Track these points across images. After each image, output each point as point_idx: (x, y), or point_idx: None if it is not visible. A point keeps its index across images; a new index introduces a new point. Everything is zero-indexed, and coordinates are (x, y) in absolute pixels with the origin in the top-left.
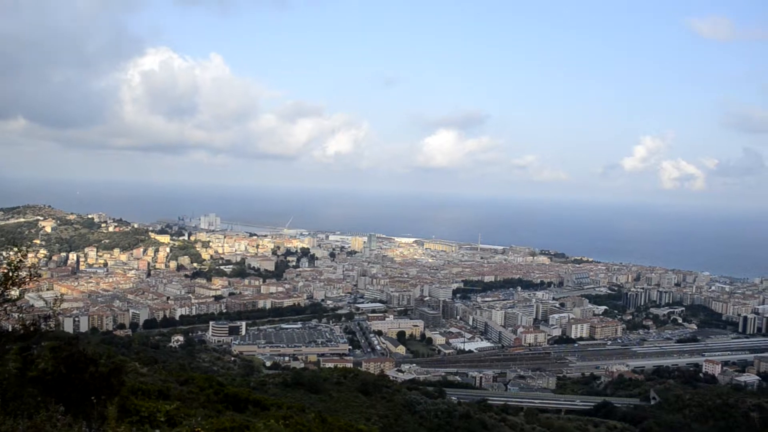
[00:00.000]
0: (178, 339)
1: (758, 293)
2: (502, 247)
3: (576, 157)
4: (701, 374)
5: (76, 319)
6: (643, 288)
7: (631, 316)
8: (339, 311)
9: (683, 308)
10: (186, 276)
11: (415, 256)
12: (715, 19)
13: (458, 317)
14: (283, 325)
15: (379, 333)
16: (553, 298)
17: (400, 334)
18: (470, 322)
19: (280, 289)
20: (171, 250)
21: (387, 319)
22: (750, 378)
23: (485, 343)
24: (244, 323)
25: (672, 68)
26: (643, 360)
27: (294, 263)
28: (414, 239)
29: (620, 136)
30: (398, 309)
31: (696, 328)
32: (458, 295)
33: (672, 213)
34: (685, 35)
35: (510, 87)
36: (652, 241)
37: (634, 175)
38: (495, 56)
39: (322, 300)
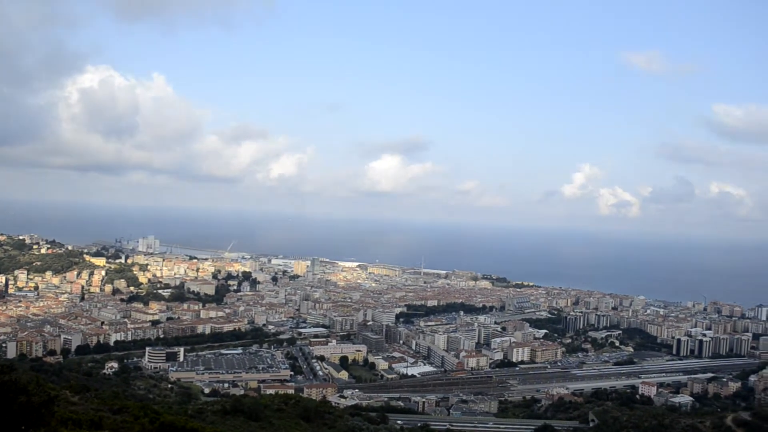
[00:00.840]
0: (112, 365)
1: (690, 316)
2: (445, 272)
3: (517, 183)
4: (638, 396)
5: (3, 345)
6: (582, 312)
7: (570, 340)
8: (281, 336)
9: (620, 331)
10: (122, 300)
11: (359, 281)
12: (649, 52)
13: (401, 342)
14: (223, 351)
15: (322, 358)
16: (495, 322)
17: (343, 359)
18: (413, 347)
19: (221, 313)
20: (107, 274)
21: (330, 344)
22: (684, 399)
23: (428, 368)
24: (182, 349)
25: (609, 99)
26: (582, 383)
27: (235, 287)
28: (358, 263)
29: (560, 164)
30: (341, 334)
31: (632, 350)
32: (401, 320)
33: (609, 238)
34: (622, 68)
35: (453, 114)
36: (590, 266)
37: (572, 201)
38: (439, 83)
39: (264, 325)
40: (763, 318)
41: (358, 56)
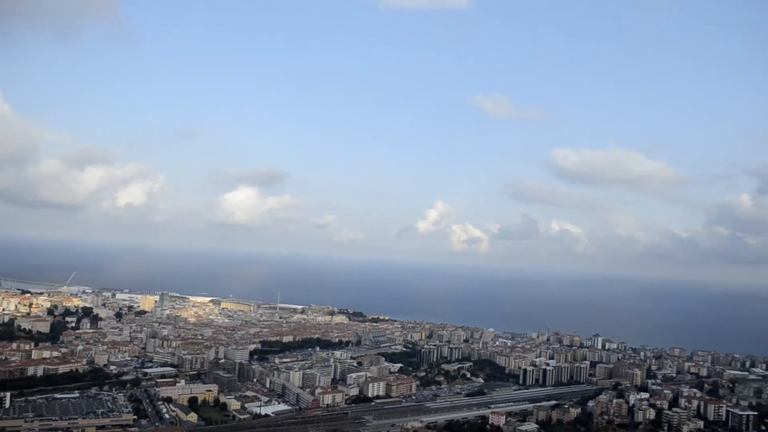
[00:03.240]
0: None
1: (535, 347)
2: (301, 307)
3: (374, 218)
4: (488, 426)
5: None
6: (435, 345)
7: (424, 373)
8: (124, 377)
9: (471, 363)
10: None
11: (211, 316)
12: (496, 97)
13: (255, 380)
14: (57, 395)
15: (169, 400)
16: (351, 357)
17: (192, 401)
18: (267, 385)
19: (56, 353)
20: None
21: (178, 384)
22: (530, 426)
23: (282, 406)
24: (8, 394)
25: (460, 140)
26: (436, 415)
27: (74, 324)
28: (210, 298)
29: (415, 201)
30: (191, 373)
31: (483, 381)
32: (256, 357)
33: (461, 272)
34: (472, 111)
35: (312, 147)
36: (443, 300)
37: (427, 237)
38: (297, 115)
39: (105, 365)
40: (599, 347)
41: (216, 82)
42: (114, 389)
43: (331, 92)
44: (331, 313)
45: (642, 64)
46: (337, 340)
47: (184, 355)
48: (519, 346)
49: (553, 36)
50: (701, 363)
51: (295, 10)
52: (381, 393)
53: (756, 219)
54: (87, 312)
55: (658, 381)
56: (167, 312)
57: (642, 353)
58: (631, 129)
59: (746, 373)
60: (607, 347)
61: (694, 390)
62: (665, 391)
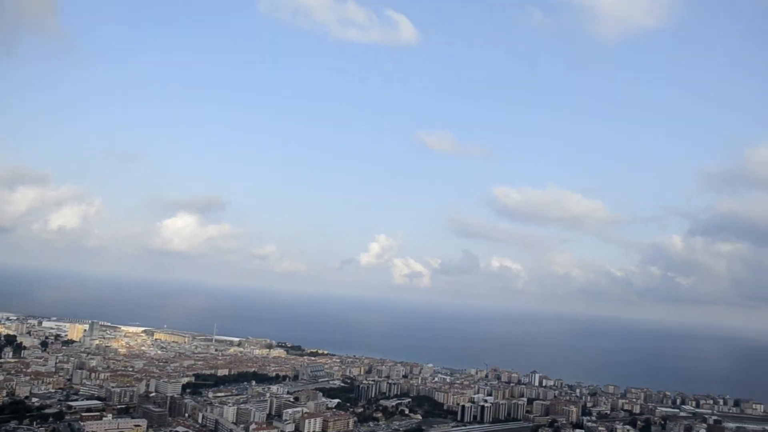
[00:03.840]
0: None
1: (474, 383)
2: (238, 339)
3: (315, 250)
4: None
5: None
6: (374, 380)
7: (362, 409)
8: (46, 410)
9: (410, 399)
10: None
11: (143, 348)
12: (440, 133)
13: (187, 414)
14: None
15: None
16: (288, 392)
17: None
18: (200, 420)
19: None
20: None
21: (104, 418)
22: None
23: None
24: None
25: (405, 175)
26: None
27: None
28: (143, 328)
29: (358, 233)
30: (119, 407)
31: (421, 418)
32: (189, 391)
33: (402, 307)
34: (417, 146)
35: (254, 175)
36: (383, 334)
37: (369, 270)
38: (241, 143)
39: (27, 397)
40: (536, 383)
41: (158, 107)
42: (35, 423)
43: (277, 122)
44: (269, 347)
45: (581, 109)
46: (274, 374)
47: (112, 387)
48: (458, 382)
49: (499, 75)
50: (634, 400)
51: (241, 39)
52: (317, 429)
53: (686, 260)
54: (10, 340)
55: (593, 418)
56: (96, 342)
57: (578, 390)
58: (570, 170)
59: (677, 410)
60: (544, 384)
61: (627, 427)
62: (600, 428)
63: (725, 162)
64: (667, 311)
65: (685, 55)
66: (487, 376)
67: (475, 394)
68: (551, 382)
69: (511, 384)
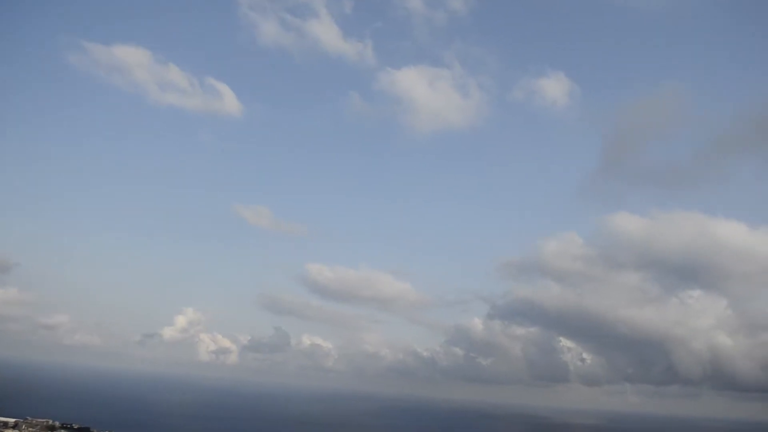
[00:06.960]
0: None
1: None
2: (14, 420)
3: (114, 321)
4: None
5: None
6: None
7: None
8: None
9: None
10: None
11: None
12: (258, 208)
13: None
14: None
15: None
16: None
17: None
18: None
19: None
20: None
21: None
22: None
23: None
24: None
25: (220, 247)
26: None
27: None
28: None
29: (163, 306)
30: None
31: None
32: None
33: (206, 385)
34: (234, 219)
35: (48, 238)
36: (182, 414)
37: (173, 345)
38: (38, 202)
39: None
40: None
41: None
42: None
43: (79, 184)
44: (51, 428)
45: (395, 195)
46: None
47: None
48: None
49: (319, 155)
50: None
51: (55, 98)
52: None
53: (486, 341)
54: None
55: None
56: None
57: None
58: (381, 251)
59: None
60: None
61: None
62: None
63: (521, 252)
64: (470, 390)
65: (489, 153)
66: None
67: None
68: None
69: None
